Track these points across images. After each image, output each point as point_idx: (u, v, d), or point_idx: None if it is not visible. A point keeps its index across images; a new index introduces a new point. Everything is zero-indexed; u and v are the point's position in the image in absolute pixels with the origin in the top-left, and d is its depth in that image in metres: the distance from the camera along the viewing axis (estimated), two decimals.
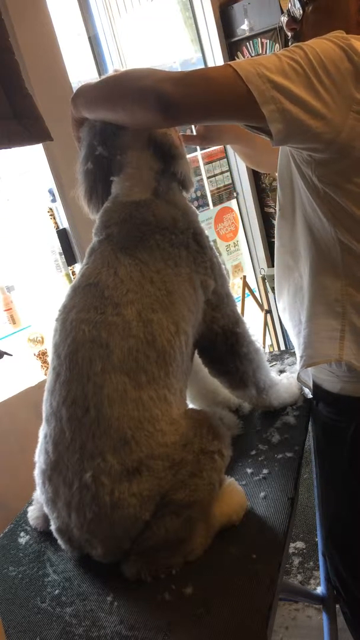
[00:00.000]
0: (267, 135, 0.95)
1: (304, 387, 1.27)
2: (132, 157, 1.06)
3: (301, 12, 1.08)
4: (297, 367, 1.15)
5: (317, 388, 1.19)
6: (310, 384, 1.20)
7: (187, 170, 1.10)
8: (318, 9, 1.06)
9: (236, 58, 2.72)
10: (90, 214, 1.16)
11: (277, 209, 1.18)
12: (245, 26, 2.60)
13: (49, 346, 1.03)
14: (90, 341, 0.94)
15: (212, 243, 1.14)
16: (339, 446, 1.12)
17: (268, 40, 2.57)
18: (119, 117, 0.99)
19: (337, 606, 1.60)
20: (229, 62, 0.91)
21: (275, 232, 1.20)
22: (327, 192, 1.00)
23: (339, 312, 1.05)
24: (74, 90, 1.06)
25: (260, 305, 2.97)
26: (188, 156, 1.14)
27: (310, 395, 1.24)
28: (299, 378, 1.20)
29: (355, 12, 1.04)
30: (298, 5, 1.08)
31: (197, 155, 2.90)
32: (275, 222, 1.19)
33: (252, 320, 2.85)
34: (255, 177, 2.88)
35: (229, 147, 2.90)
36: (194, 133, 1.29)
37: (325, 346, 1.06)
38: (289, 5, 1.10)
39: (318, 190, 1.02)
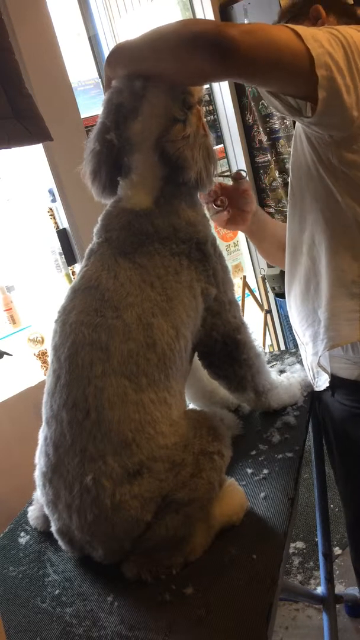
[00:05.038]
0: (296, 114, 0.95)
1: (317, 378, 1.26)
2: (139, 161, 1.03)
3: None
4: (320, 350, 1.15)
5: (333, 378, 1.18)
6: (329, 370, 1.19)
7: (198, 177, 1.04)
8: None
9: None
10: (94, 195, 1.12)
11: (288, 199, 1.18)
12: None
13: (49, 346, 1.03)
14: (90, 344, 0.94)
15: (219, 249, 1.11)
16: None
17: None
18: (169, 68, 0.94)
19: (337, 606, 1.60)
20: (281, 24, 0.91)
21: (287, 224, 1.20)
22: (346, 172, 1.01)
23: (356, 294, 1.06)
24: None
25: (260, 305, 2.97)
26: None
27: (327, 384, 1.22)
28: (319, 363, 1.20)
29: (325, 13, 1.11)
30: None
31: None
32: (287, 213, 1.19)
33: (252, 320, 2.85)
34: (256, 178, 2.88)
35: (228, 146, 2.91)
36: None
37: (345, 328, 1.07)
38: None
39: (336, 172, 1.02)
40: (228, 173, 2.87)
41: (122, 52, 0.98)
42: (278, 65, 0.89)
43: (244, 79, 0.98)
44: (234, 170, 2.91)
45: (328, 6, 1.14)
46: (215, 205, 1.27)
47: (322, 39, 0.89)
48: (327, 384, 1.21)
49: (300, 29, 0.89)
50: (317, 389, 1.26)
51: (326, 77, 0.89)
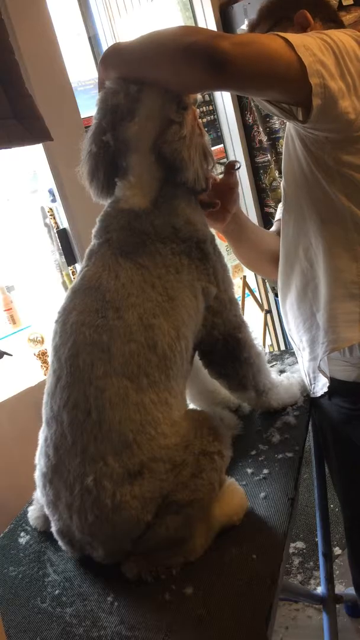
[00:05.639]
0: (291, 118, 0.95)
1: (314, 384, 1.26)
2: (136, 162, 1.03)
3: None
4: (320, 354, 1.15)
5: (331, 380, 1.18)
6: (328, 374, 1.19)
7: (195, 176, 1.03)
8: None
9: None
10: (92, 196, 1.11)
11: (282, 203, 1.18)
12: (245, 26, 2.58)
13: (49, 346, 1.03)
14: (91, 345, 0.94)
15: (218, 247, 1.11)
16: None
17: None
18: (162, 76, 0.94)
19: (337, 606, 1.60)
20: (273, 32, 0.91)
21: (281, 229, 1.20)
22: (342, 173, 1.02)
23: (355, 295, 1.06)
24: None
25: (260, 305, 2.97)
26: None
27: (325, 389, 1.22)
28: (319, 368, 1.20)
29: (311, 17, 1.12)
30: None
31: None
32: (281, 219, 1.19)
33: (252, 320, 2.85)
34: (256, 177, 2.88)
35: (228, 146, 2.91)
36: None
37: (345, 330, 1.07)
38: None
39: (332, 173, 1.03)
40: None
41: (117, 55, 0.98)
42: (271, 76, 0.90)
43: (237, 90, 0.98)
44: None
45: (313, 11, 1.14)
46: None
47: (313, 46, 0.89)
48: (325, 389, 1.21)
49: (291, 37, 0.89)
50: (314, 395, 1.26)
51: (319, 85, 0.89)
